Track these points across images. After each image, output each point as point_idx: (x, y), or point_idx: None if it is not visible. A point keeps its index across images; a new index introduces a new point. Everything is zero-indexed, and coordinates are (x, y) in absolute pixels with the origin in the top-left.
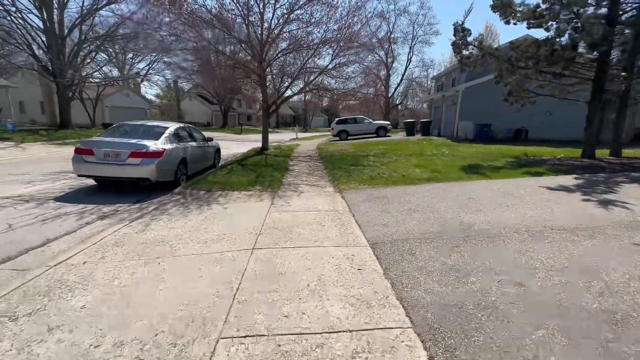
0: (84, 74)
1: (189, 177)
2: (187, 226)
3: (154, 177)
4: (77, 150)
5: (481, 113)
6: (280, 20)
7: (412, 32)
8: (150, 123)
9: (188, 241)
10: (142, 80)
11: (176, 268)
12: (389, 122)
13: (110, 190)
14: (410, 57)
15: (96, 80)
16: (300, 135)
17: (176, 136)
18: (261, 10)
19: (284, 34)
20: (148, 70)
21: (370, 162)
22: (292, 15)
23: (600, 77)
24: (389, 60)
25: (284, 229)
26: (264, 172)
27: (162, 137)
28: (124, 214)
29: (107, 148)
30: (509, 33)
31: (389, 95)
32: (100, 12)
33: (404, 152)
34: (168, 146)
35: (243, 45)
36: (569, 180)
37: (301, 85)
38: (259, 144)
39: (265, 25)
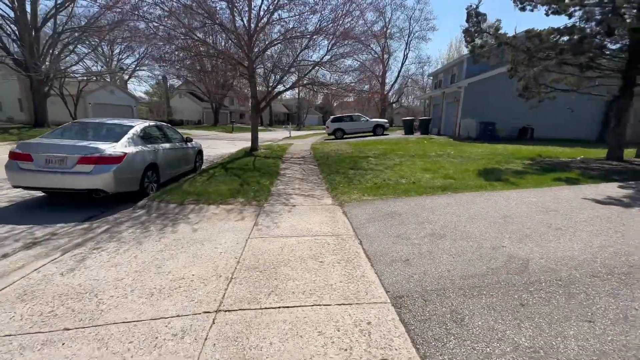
0: (62, 68)
1: (161, 184)
2: (136, 262)
3: (110, 188)
4: (11, 155)
5: (484, 110)
6: (271, 6)
7: (409, 28)
8: (111, 121)
9: (128, 291)
10: (129, 77)
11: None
12: (386, 120)
13: (61, 204)
14: (407, 54)
15: (76, 75)
16: (294, 133)
17: (144, 137)
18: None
19: (275, 22)
20: (136, 66)
21: (371, 165)
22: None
23: (632, 69)
24: (385, 56)
25: (267, 268)
26: (251, 178)
27: (124, 139)
28: (62, 240)
29: (49, 152)
30: (515, 23)
31: (385, 92)
32: (79, 1)
33: (406, 152)
34: (131, 149)
35: (228, 34)
36: (613, 189)
37: (294, 80)
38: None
39: (254, 12)
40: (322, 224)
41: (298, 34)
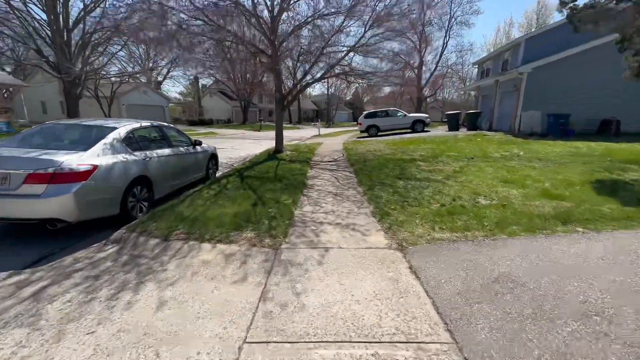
0: (93, 69)
1: (157, 201)
2: None
3: (72, 216)
4: None
5: (552, 100)
6: None
7: (449, 12)
8: (90, 122)
9: None
10: (164, 79)
11: None
12: (427, 115)
13: (11, 231)
14: (447, 41)
15: (109, 76)
16: (323, 131)
17: (130, 142)
18: None
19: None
20: (169, 69)
21: (425, 173)
22: None
23: None
24: (423, 46)
25: None
26: (269, 192)
27: (97, 145)
28: None
29: None
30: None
31: (422, 85)
32: (109, 2)
33: (461, 153)
34: (105, 159)
35: (249, 17)
36: None
37: (323, 70)
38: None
39: None
40: (379, 299)
41: (332, 10)
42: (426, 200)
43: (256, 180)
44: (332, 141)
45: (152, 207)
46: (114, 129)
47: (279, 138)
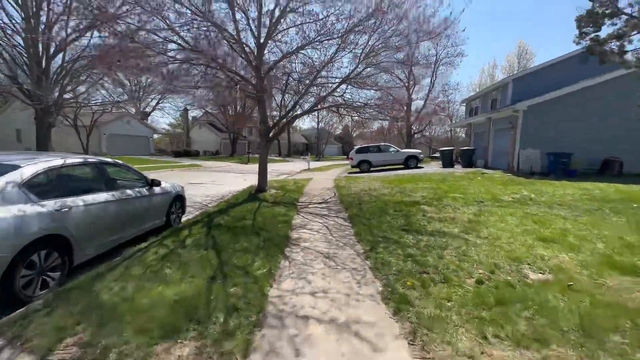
0: (70, 97)
1: (80, 266)
2: None
3: None
4: None
5: (550, 139)
6: (288, 5)
7: (435, 54)
8: None
9: None
10: (152, 110)
11: None
12: (420, 151)
13: None
14: (434, 80)
15: (90, 105)
16: (313, 164)
17: (36, 187)
18: None
19: (290, 28)
20: (160, 99)
21: (435, 223)
22: None
23: None
24: (411, 83)
25: None
26: (238, 255)
27: None
28: None
29: None
30: (544, 56)
31: (411, 121)
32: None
33: (466, 195)
34: None
35: (231, 43)
36: None
37: (313, 100)
38: (268, 177)
39: (265, 10)
40: None
41: (322, 36)
42: (452, 270)
43: (227, 232)
44: (322, 176)
45: (67, 277)
46: (15, 168)
47: (262, 175)
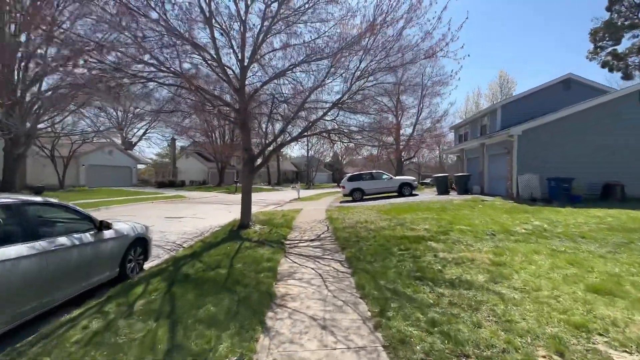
0: (48, 126)
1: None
2: None
3: None
4: None
5: (548, 164)
6: (276, 24)
7: (421, 84)
8: None
9: None
10: (139, 140)
11: None
12: (414, 178)
13: None
14: (421, 108)
15: (68, 135)
16: (303, 193)
17: None
18: (240, 11)
19: (277, 51)
20: (147, 129)
21: (452, 267)
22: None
23: None
24: (399, 112)
25: None
26: (199, 329)
27: None
28: None
29: None
30: (525, 83)
31: (401, 148)
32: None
33: (473, 227)
34: None
35: (211, 64)
36: None
37: (302, 126)
38: (255, 207)
39: (249, 35)
40: None
41: (313, 57)
42: (501, 350)
43: (193, 288)
44: (313, 206)
45: None
46: None
47: (245, 209)
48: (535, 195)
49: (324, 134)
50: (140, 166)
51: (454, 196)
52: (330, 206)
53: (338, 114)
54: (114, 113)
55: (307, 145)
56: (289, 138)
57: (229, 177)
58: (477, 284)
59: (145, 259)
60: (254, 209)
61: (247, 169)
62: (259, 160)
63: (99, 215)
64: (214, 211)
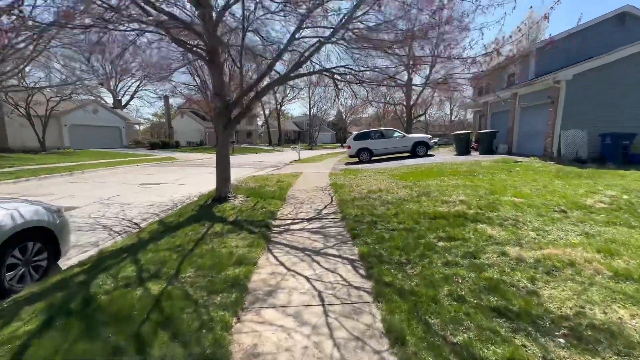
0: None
1: None
2: None
3: None
4: None
5: (600, 117)
6: None
7: (437, 27)
8: None
9: None
10: (131, 98)
11: None
12: (429, 136)
13: None
14: (436, 54)
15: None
16: (305, 154)
17: None
18: None
19: None
20: (138, 87)
21: (547, 284)
22: None
23: None
24: (410, 61)
25: None
26: None
27: None
28: None
29: None
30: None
31: (412, 102)
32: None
33: (529, 198)
34: None
35: None
36: None
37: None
38: (248, 171)
39: None
40: None
41: None
42: None
43: (75, 338)
44: (314, 170)
45: None
46: None
47: (221, 176)
48: (581, 154)
49: (326, 73)
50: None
51: (477, 156)
52: (335, 169)
53: (343, 51)
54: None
55: (309, 103)
56: (277, 78)
57: None
58: (625, 336)
59: (56, 257)
60: (246, 172)
61: (221, 121)
62: (238, 110)
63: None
64: (201, 175)
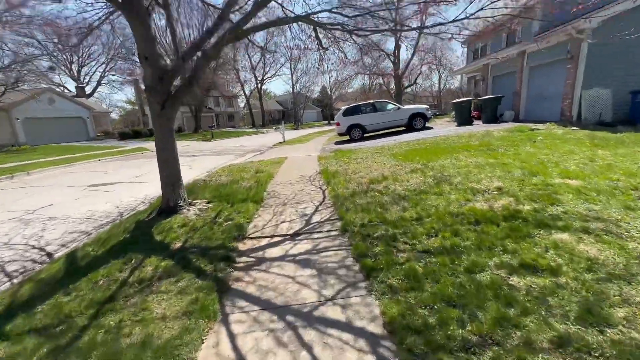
0: None
1: None
2: None
3: None
4: None
5: (632, 73)
6: None
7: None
8: None
9: None
10: (97, 85)
11: None
12: (427, 107)
13: None
14: (424, 21)
15: None
16: (290, 134)
17: None
18: None
19: None
20: (104, 71)
21: None
22: None
23: None
24: (398, 27)
25: None
26: None
27: None
28: None
29: None
30: None
31: (401, 72)
32: None
33: (593, 179)
34: None
35: None
36: None
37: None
38: (227, 158)
39: None
40: None
41: None
42: None
43: None
44: (301, 153)
45: None
46: None
47: (168, 179)
48: (605, 117)
49: (304, 21)
50: (112, 116)
51: (482, 126)
52: (324, 150)
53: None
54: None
55: (292, 79)
56: (233, 27)
57: (207, 122)
58: None
59: None
60: (224, 161)
61: (154, 99)
62: (182, 83)
63: None
64: (188, 164)
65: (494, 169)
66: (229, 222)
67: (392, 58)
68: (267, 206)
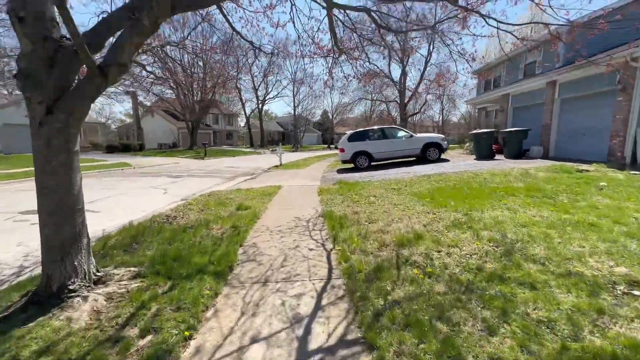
0: None
1: None
2: None
3: None
4: None
5: None
6: None
7: (434, 18)
8: None
9: None
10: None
11: None
12: (442, 136)
13: None
14: (431, 51)
15: None
16: (288, 157)
17: None
18: None
19: None
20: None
21: None
22: None
23: None
24: (405, 55)
25: None
26: None
27: None
28: None
29: None
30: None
31: (406, 100)
32: None
33: None
34: None
35: None
36: None
37: None
38: (213, 182)
39: None
40: None
41: None
42: None
43: None
44: (298, 182)
45: None
46: None
47: (56, 239)
48: None
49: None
50: (112, 127)
51: (508, 162)
52: (325, 180)
53: None
54: None
55: (294, 101)
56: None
57: (204, 138)
58: None
59: None
60: (208, 185)
61: (33, 95)
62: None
63: None
64: (141, 191)
65: (581, 231)
66: (147, 339)
67: (397, 86)
68: (235, 286)
